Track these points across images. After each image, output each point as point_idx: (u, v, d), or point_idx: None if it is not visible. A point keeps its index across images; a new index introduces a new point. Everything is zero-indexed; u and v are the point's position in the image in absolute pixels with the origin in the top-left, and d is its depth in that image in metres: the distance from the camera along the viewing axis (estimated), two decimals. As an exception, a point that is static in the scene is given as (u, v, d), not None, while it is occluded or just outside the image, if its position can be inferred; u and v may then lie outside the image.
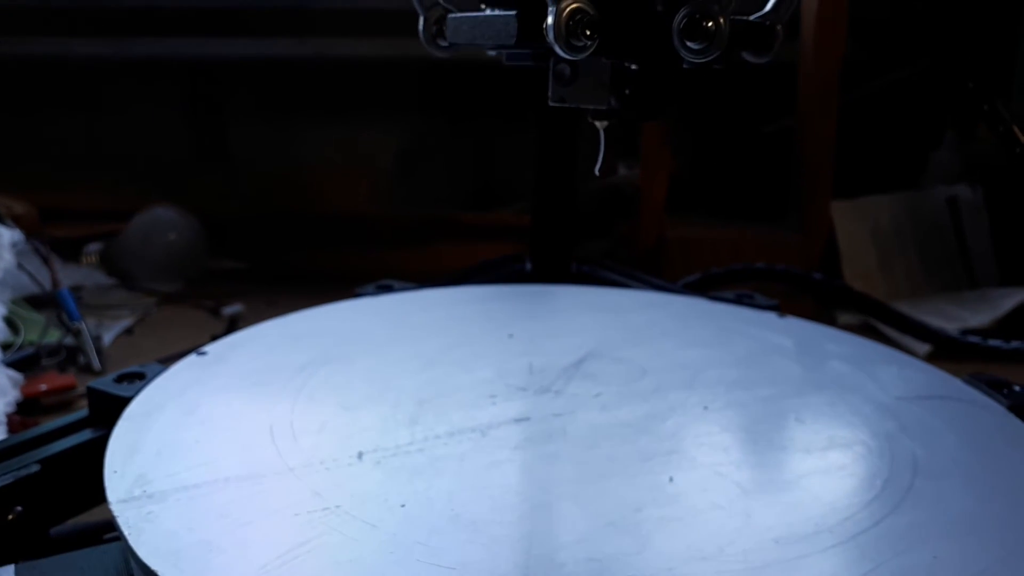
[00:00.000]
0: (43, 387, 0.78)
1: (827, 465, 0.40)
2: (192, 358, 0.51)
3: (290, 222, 1.25)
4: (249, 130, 1.31)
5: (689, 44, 0.31)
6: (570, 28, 0.31)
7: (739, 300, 0.66)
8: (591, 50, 0.31)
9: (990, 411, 0.47)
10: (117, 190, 1.28)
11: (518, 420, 0.44)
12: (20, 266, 0.92)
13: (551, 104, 0.35)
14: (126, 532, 0.33)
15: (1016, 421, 0.46)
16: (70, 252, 1.17)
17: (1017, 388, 0.49)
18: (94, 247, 1.17)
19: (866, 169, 1.12)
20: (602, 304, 0.65)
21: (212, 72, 1.28)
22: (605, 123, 0.38)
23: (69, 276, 1.06)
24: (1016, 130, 1.08)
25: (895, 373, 0.52)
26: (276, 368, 0.49)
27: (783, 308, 0.64)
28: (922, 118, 1.14)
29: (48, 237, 1.07)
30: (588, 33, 0.31)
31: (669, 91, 0.35)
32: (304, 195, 1.28)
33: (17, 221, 1.01)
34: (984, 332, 0.94)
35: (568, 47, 0.31)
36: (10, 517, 0.39)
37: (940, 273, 1.09)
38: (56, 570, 0.35)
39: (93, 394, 0.46)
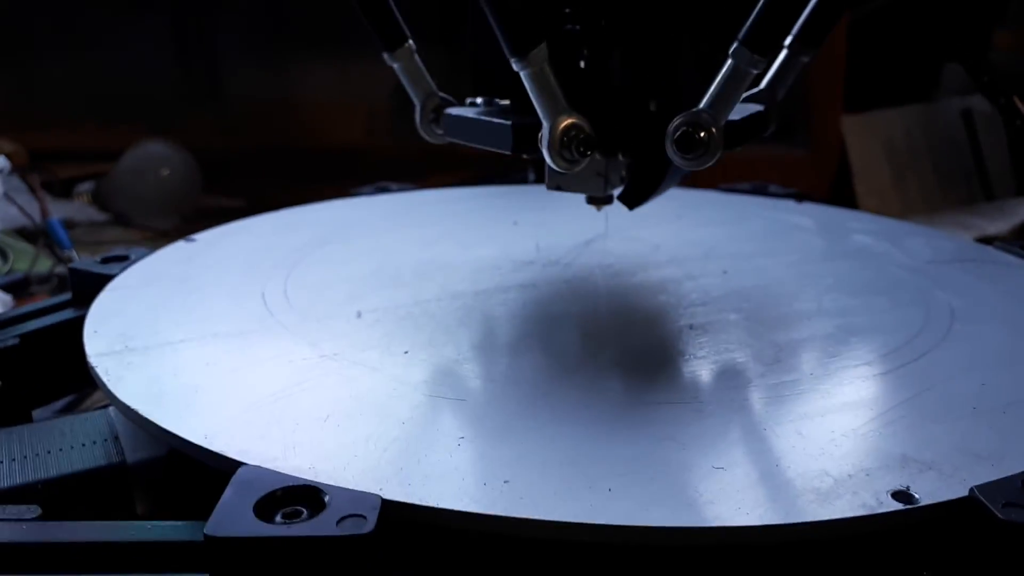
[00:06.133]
0: (34, 309, 0.75)
1: (862, 314, 0.38)
2: (180, 244, 0.48)
3: (287, 157, 1.22)
4: (242, 64, 1.28)
5: (684, 155, 0.30)
6: (564, 143, 0.31)
7: (755, 191, 0.63)
8: (584, 163, 0.31)
9: (1026, 270, 0.44)
10: (107, 129, 1.25)
11: (524, 286, 0.42)
12: (7, 196, 0.89)
13: (548, 189, 0.36)
14: (105, 379, 0.30)
15: (1055, 277, 0.43)
16: (61, 192, 1.14)
17: (1053, 252, 0.47)
18: (86, 186, 1.14)
19: (877, 82, 1.09)
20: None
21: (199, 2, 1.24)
22: (602, 207, 0.39)
23: (61, 212, 1.03)
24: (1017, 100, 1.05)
25: (923, 243, 0.49)
26: (270, 248, 0.47)
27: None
28: (935, 29, 1.10)
29: (40, 171, 1.03)
30: (581, 149, 0.31)
31: (663, 176, 0.36)
32: (301, 130, 1.24)
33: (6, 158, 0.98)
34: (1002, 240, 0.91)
35: (562, 160, 0.31)
36: (-12, 390, 0.37)
37: (956, 187, 1.05)
38: (37, 435, 0.33)
39: (75, 274, 0.43)
